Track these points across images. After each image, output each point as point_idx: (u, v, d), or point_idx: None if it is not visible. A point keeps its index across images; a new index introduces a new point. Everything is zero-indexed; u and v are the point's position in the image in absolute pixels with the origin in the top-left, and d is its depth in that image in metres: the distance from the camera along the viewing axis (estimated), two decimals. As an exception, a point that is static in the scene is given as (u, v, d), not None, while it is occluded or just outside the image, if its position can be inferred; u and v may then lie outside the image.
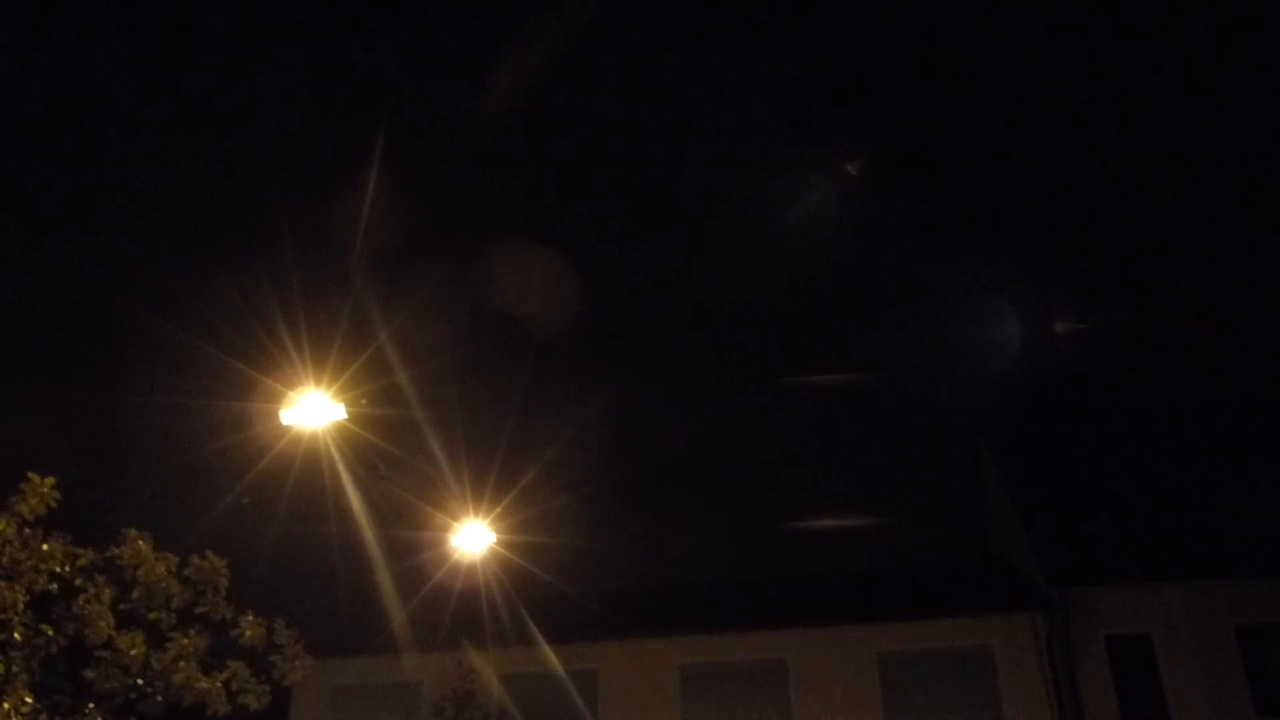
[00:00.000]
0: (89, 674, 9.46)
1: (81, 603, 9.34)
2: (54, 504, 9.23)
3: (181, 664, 9.63)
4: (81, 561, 9.48)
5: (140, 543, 9.76)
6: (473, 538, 16.12)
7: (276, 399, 11.14)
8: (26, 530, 9.09)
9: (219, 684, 9.87)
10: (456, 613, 18.04)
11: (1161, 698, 15.40)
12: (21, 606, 8.96)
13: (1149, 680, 15.55)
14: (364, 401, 11.94)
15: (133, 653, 9.46)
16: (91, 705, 9.47)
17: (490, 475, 16.35)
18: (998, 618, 16.44)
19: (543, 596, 18.45)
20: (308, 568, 18.56)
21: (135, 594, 9.74)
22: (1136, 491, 17.75)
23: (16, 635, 8.95)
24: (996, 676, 16.10)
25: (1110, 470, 18.59)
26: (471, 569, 17.21)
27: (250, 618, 10.33)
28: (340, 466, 13.14)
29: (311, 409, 11.20)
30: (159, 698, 9.67)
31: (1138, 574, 16.11)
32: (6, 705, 8.72)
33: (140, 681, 9.60)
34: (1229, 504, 16.55)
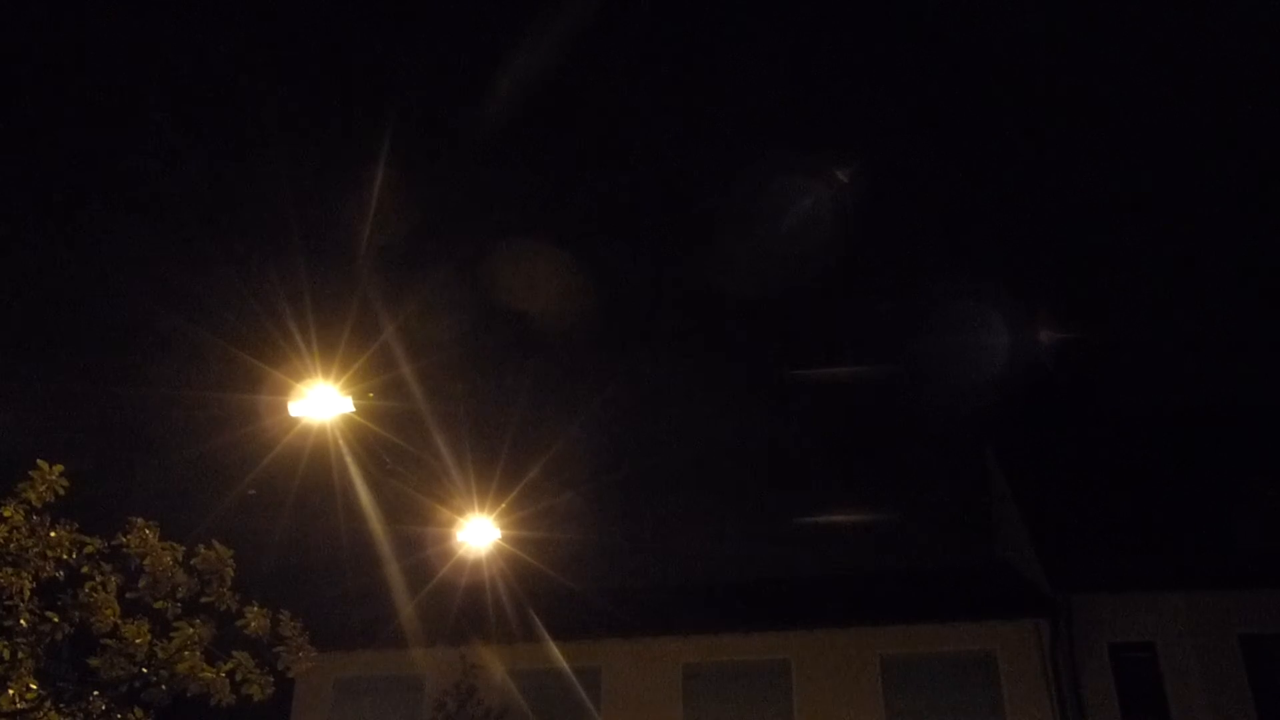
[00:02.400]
0: (94, 662, 9.49)
1: (88, 591, 9.38)
2: (62, 491, 9.28)
3: (186, 653, 9.65)
4: (89, 549, 9.52)
5: (147, 532, 9.79)
6: (478, 533, 16.15)
7: (284, 392, 11.18)
8: (34, 517, 9.14)
9: (223, 674, 9.87)
10: (461, 608, 18.10)
11: (1165, 707, 15.34)
12: (28, 593, 9.02)
13: (1152, 689, 15.50)
14: (371, 395, 11.98)
15: (138, 641, 9.48)
16: (96, 693, 9.50)
17: (496, 470, 16.40)
18: (1002, 624, 16.40)
19: (547, 593, 18.48)
20: (314, 560, 18.66)
21: (141, 583, 9.76)
22: (1142, 501, 17.70)
23: (23, 622, 9.00)
24: (999, 683, 16.05)
25: (1117, 479, 18.54)
26: (476, 564, 17.26)
27: (255, 608, 10.34)
28: (348, 460, 13.18)
29: (319, 402, 11.23)
30: (163, 686, 9.68)
31: (1142, 583, 16.05)
32: (11, 691, 8.77)
33: (145, 670, 9.62)
34: (1234, 514, 16.51)
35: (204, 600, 10.08)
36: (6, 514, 9.00)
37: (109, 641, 9.45)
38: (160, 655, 9.63)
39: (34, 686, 8.93)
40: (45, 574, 9.17)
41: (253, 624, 10.24)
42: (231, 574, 10.25)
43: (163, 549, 9.83)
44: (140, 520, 9.85)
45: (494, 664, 17.49)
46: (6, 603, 8.90)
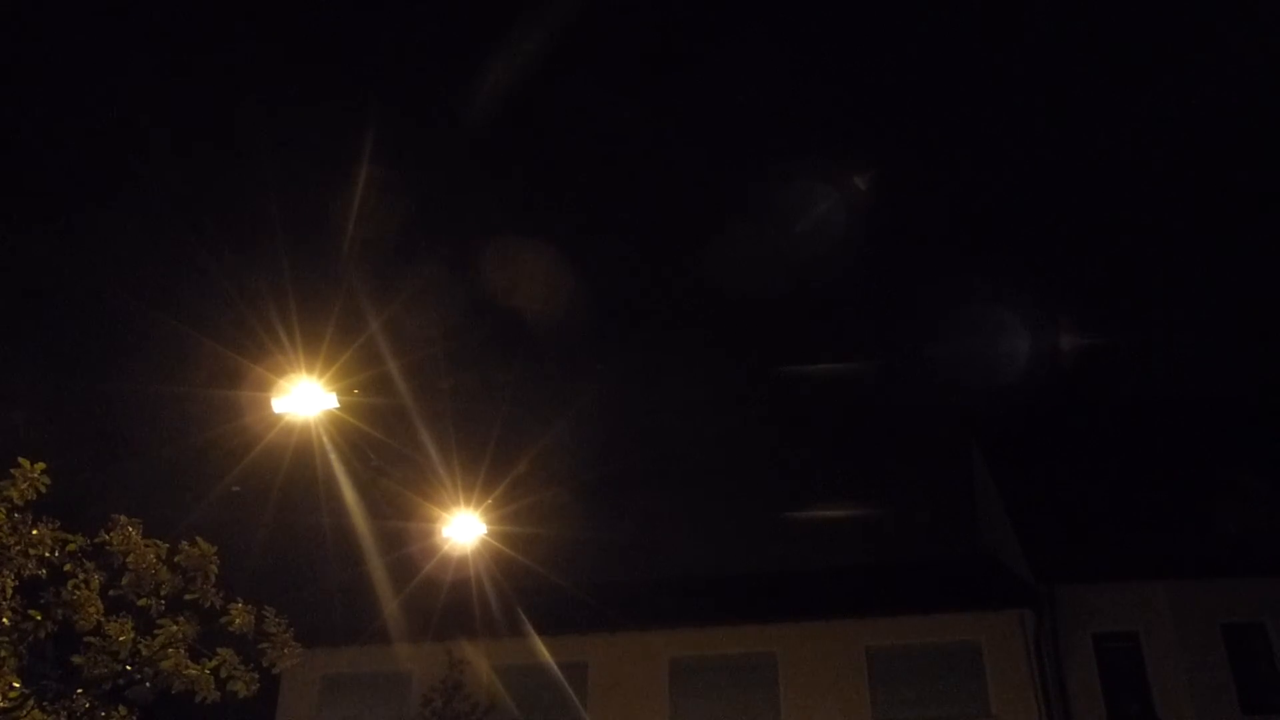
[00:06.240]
0: (77, 660, 9.44)
1: (70, 588, 9.32)
2: (44, 489, 9.20)
3: (170, 651, 9.60)
4: (71, 547, 9.45)
5: (130, 529, 9.74)
6: (463, 529, 16.12)
7: (268, 387, 11.13)
8: (16, 515, 9.07)
9: (208, 671, 9.84)
10: (447, 603, 18.06)
11: (1148, 695, 15.48)
12: (10, 591, 8.95)
13: (1135, 678, 15.63)
14: (356, 391, 11.94)
15: (121, 639, 9.43)
16: (79, 691, 9.45)
17: (481, 466, 16.37)
18: (987, 614, 16.50)
19: (533, 588, 18.47)
20: (299, 556, 18.60)
21: (125, 580, 9.71)
22: (1125, 491, 17.84)
23: (5, 620, 8.93)
24: (984, 673, 16.16)
25: (1099, 470, 18.67)
26: (462, 560, 17.23)
27: (240, 605, 10.30)
28: (332, 456, 13.14)
29: (303, 398, 11.18)
30: (147, 684, 9.64)
31: (1125, 573, 16.17)
32: (-6, 690, 8.71)
33: (129, 668, 9.58)
34: (1216, 504, 16.65)
35: (188, 597, 10.04)
36: (-12, 512, 8.94)
37: (92, 639, 9.40)
38: (144, 653, 9.58)
39: (17, 685, 8.87)
40: (28, 572, 9.10)
41: (237, 621, 10.19)
42: (215, 571, 10.20)
43: (146, 546, 9.78)
44: (123, 517, 9.80)
45: (480, 659, 17.48)
46: (-11, 601, 8.84)
